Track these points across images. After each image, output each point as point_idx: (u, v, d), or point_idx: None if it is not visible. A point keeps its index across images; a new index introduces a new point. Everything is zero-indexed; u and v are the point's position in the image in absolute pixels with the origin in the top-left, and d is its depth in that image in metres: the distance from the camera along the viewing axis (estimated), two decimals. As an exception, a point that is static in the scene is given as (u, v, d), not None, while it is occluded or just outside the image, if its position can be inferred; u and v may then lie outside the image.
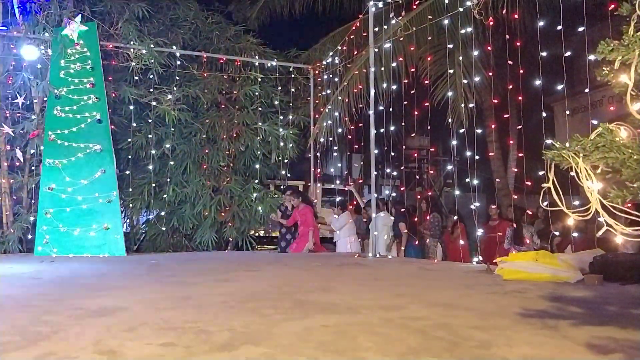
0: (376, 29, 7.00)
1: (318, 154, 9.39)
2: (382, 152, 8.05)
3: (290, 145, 9.28)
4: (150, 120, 8.50)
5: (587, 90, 5.93)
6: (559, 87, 5.82)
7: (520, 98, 5.57)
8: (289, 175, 9.42)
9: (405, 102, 6.50)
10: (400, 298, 2.71)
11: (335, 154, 9.31)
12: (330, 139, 8.73)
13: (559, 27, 5.34)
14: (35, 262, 6.12)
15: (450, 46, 6.17)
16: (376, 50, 6.94)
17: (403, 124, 7.04)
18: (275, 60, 9.46)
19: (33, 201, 7.89)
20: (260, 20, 12.37)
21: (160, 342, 1.65)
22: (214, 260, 6.08)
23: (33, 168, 8.03)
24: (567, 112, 6.24)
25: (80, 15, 8.10)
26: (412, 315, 2.17)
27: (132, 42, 8.44)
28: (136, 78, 8.52)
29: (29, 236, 7.83)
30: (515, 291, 2.96)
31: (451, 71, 6.57)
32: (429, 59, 6.65)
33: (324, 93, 9.13)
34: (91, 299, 2.72)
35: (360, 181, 12.05)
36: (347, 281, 3.65)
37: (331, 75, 8.84)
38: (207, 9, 9.90)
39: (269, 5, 12.16)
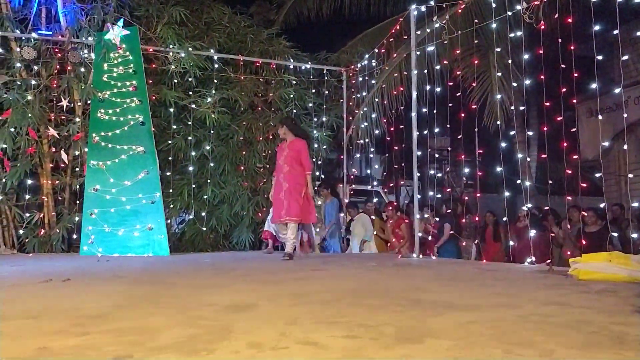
0: (418, 32, 7.13)
1: (357, 155, 9.53)
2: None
3: (324, 146, 9.44)
4: (189, 123, 8.65)
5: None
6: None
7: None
8: (322, 176, 9.55)
9: (450, 105, 6.62)
10: (504, 297, 2.84)
11: (371, 155, 9.43)
12: (367, 140, 8.88)
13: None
14: (87, 261, 6.27)
15: (499, 49, 6.30)
16: (418, 53, 7.06)
17: (444, 127, 7.16)
18: (310, 63, 9.60)
19: (78, 202, 8.04)
20: (285, 24, 12.52)
21: (343, 335, 1.78)
22: (265, 260, 6.22)
23: (77, 169, 8.18)
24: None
25: (122, 19, 8.24)
26: (540, 312, 2.29)
27: (171, 46, 8.60)
28: (175, 81, 8.67)
29: (74, 236, 8.00)
30: (605, 290, 3.08)
31: (499, 74, 6.70)
32: (476, 62, 6.79)
33: (358, 95, 9.27)
34: (209, 295, 2.85)
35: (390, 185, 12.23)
36: (428, 281, 3.77)
37: (367, 78, 8.97)
38: (239, 13, 10.09)
39: (296, 8, 12.31)
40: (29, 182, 8.02)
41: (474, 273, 4.39)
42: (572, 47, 5.16)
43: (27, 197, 8.00)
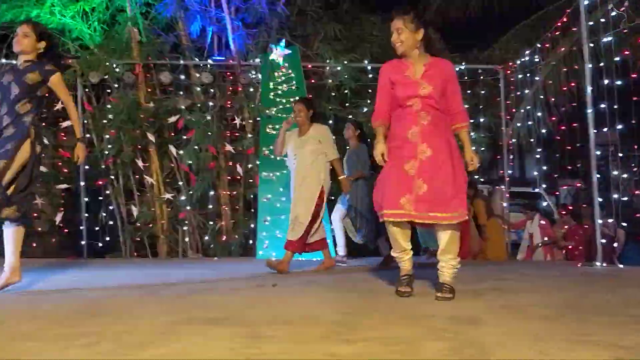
0: (591, 23, 6.64)
1: (511, 156, 9.16)
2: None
3: (482, 148, 9.20)
4: (347, 133, 8.99)
5: None
6: None
7: None
8: (481, 179, 9.32)
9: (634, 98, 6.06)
10: None
11: (538, 155, 8.98)
12: (532, 139, 8.48)
13: None
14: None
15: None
16: (591, 44, 6.59)
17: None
18: (463, 64, 9.44)
19: (252, 210, 8.80)
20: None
21: (611, 357, 1.77)
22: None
23: (250, 181, 8.96)
24: None
25: (283, 40, 8.86)
26: None
27: (327, 61, 9.04)
28: (333, 94, 9.09)
29: (249, 241, 8.79)
30: None
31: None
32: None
33: (518, 93, 8.88)
34: (424, 305, 2.98)
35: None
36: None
37: (527, 74, 8.56)
38: (388, 20, 10.25)
39: (441, 8, 12.16)
40: (211, 193, 8.98)
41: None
42: None
43: (210, 206, 8.97)
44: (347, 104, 9.11)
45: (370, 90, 9.18)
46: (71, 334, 2.32)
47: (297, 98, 6.48)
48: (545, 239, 8.17)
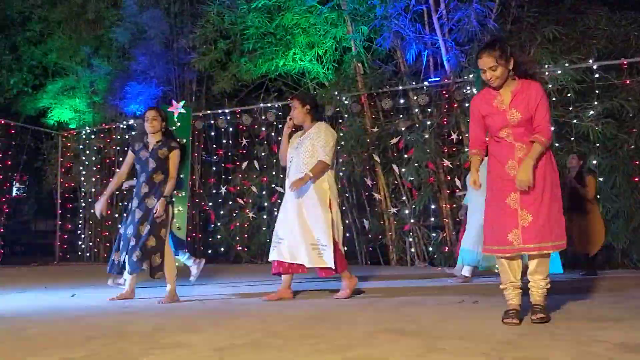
0: None
1: None
2: None
3: None
4: (572, 138, 8.59)
5: None
6: None
7: None
8: None
9: None
10: None
11: None
12: None
13: None
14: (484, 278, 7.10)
15: None
16: None
17: None
18: None
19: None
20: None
21: None
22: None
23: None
24: None
25: (495, 52, 8.95)
26: None
27: (545, 66, 8.79)
28: (553, 99, 8.78)
29: (474, 253, 9.12)
30: None
31: None
32: None
33: None
34: (603, 330, 3.08)
35: None
36: None
37: None
38: (617, 10, 9.39)
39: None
40: (432, 206, 9.61)
41: None
42: None
43: (432, 219, 9.61)
44: (570, 108, 8.69)
45: (597, 91, 8.62)
46: (304, 335, 3.25)
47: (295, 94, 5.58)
48: None
